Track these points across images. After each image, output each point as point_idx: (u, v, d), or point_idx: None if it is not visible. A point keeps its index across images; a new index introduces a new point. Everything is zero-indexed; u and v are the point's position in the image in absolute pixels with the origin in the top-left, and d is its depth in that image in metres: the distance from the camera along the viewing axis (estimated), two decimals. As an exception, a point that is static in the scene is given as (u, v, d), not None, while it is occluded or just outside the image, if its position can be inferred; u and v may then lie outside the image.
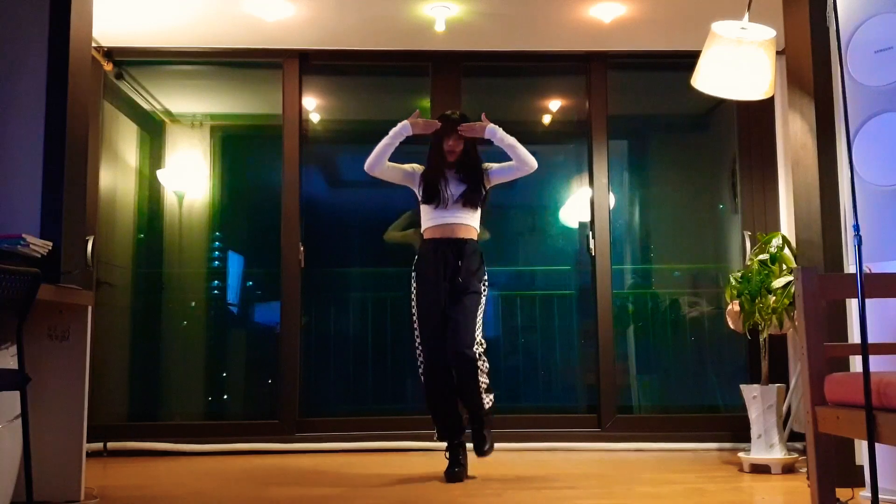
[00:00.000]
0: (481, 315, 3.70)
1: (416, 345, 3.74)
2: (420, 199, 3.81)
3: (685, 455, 4.45)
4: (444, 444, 3.73)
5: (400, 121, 3.78)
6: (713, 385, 5.14)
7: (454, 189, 3.75)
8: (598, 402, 4.81)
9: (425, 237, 3.79)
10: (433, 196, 3.73)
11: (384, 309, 5.32)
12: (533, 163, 3.75)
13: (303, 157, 4.99)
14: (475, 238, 3.78)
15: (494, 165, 3.84)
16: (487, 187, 3.81)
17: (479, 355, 3.61)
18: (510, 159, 3.76)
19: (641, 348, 5.23)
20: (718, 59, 3.25)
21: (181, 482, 3.69)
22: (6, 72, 3.24)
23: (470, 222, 3.76)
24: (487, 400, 3.65)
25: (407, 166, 3.85)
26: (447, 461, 3.66)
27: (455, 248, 3.70)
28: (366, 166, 3.79)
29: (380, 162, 3.76)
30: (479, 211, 3.82)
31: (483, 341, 3.67)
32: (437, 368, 3.62)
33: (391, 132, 3.75)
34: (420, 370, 3.70)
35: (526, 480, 3.61)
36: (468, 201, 3.74)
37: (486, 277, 3.77)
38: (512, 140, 3.75)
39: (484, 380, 3.62)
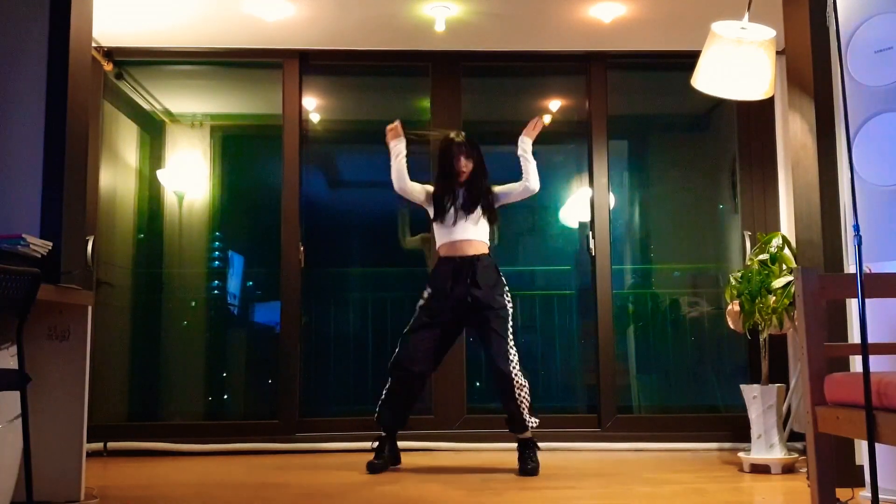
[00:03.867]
0: (511, 334, 3.84)
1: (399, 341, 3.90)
2: (431, 217, 3.98)
3: (685, 455, 4.45)
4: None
5: (398, 120, 4.02)
6: (713, 385, 5.14)
7: (462, 204, 3.91)
8: (598, 402, 4.81)
9: (441, 255, 3.94)
10: (441, 211, 3.91)
11: (384, 309, 5.32)
12: (537, 185, 3.97)
13: (303, 157, 4.99)
14: (487, 253, 3.93)
15: (497, 188, 4.01)
16: (495, 206, 3.98)
17: (516, 373, 3.75)
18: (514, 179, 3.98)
19: (641, 348, 5.23)
20: (718, 59, 3.25)
21: (181, 482, 3.69)
22: (6, 72, 3.24)
23: (479, 237, 3.92)
24: (531, 422, 3.78)
25: (427, 186, 4.03)
26: (374, 451, 3.85)
27: (469, 265, 3.85)
28: (395, 187, 3.99)
29: (402, 179, 3.96)
30: (488, 226, 3.97)
31: (518, 364, 3.80)
32: (405, 366, 3.79)
33: (392, 154, 3.98)
34: (390, 362, 3.85)
35: (526, 480, 3.61)
36: (479, 214, 3.90)
37: (507, 289, 3.90)
38: (533, 160, 3.97)
39: (525, 398, 3.75)
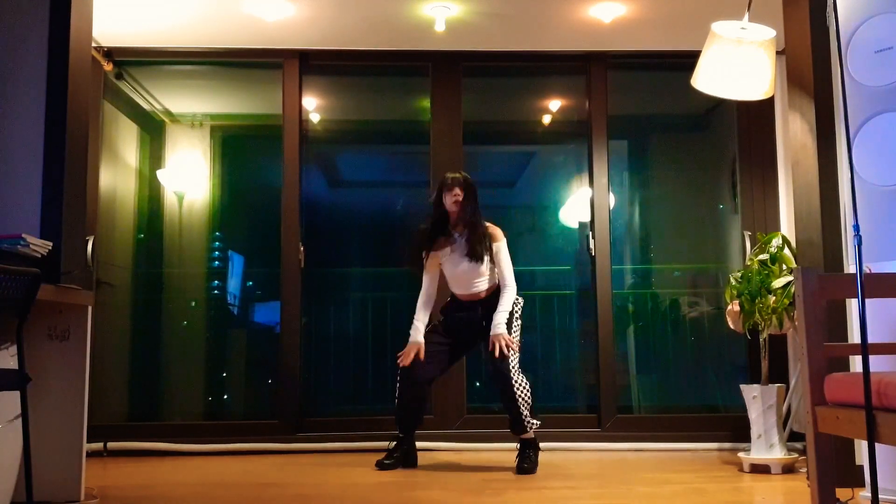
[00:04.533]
0: (516, 357, 3.87)
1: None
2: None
3: (685, 455, 4.45)
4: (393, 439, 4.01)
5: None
6: (713, 385, 5.14)
7: (459, 247, 3.97)
8: (598, 402, 4.81)
9: (453, 292, 4.09)
10: (444, 262, 4.00)
11: (384, 309, 5.32)
12: (507, 287, 3.97)
13: (303, 157, 4.99)
14: (495, 289, 4.01)
15: (499, 252, 3.99)
16: (493, 248, 3.97)
17: (515, 374, 3.79)
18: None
19: (641, 348, 5.23)
20: (718, 59, 3.25)
21: (181, 482, 3.69)
22: (6, 72, 3.24)
23: (486, 285, 4.00)
24: (531, 422, 3.83)
25: (426, 260, 4.06)
26: (388, 450, 3.97)
27: (480, 304, 3.99)
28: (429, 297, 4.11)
29: (429, 300, 4.06)
30: (489, 266, 3.99)
31: (518, 365, 3.85)
32: (410, 374, 3.88)
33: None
34: (399, 370, 3.95)
35: (526, 480, 3.61)
36: (474, 255, 3.93)
37: (518, 311, 3.98)
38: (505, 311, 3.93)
39: (525, 399, 3.79)
